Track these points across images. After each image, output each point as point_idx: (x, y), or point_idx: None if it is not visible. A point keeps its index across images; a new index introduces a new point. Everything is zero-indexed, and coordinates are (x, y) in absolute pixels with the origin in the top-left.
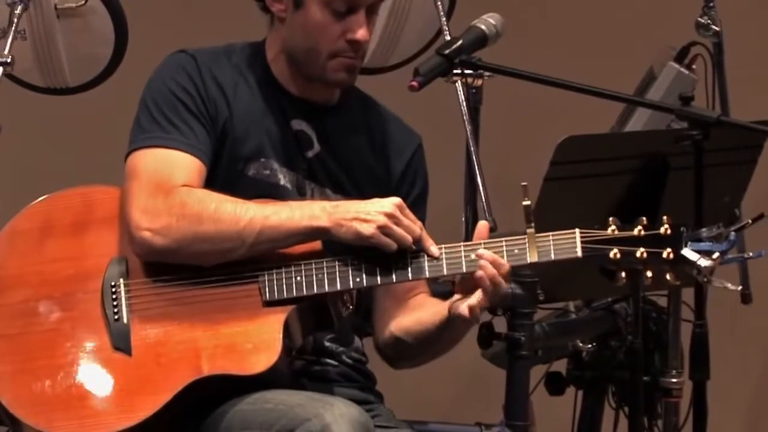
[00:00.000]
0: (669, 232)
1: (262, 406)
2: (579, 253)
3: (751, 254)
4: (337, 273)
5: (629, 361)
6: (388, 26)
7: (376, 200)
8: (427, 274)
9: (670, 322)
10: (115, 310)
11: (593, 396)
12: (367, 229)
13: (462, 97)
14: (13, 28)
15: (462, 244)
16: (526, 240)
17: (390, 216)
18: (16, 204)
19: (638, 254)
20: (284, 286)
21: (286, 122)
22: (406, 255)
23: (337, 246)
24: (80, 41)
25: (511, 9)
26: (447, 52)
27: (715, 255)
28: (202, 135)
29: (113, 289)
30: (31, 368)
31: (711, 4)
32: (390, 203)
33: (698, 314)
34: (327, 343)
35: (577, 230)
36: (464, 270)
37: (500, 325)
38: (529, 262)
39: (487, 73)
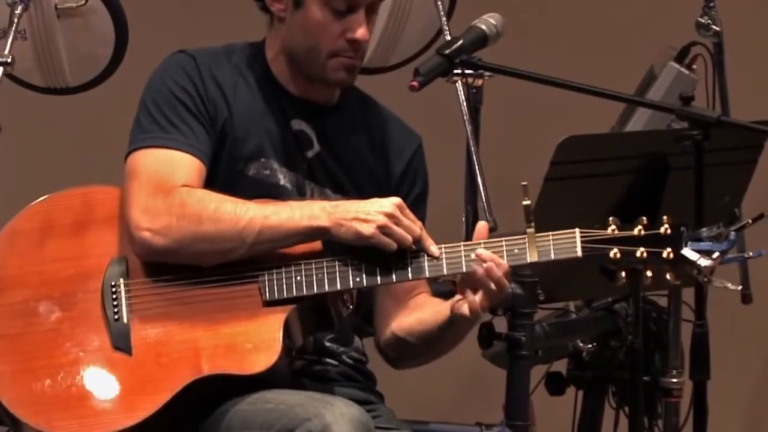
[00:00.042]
0: (669, 231)
1: (263, 405)
2: (579, 253)
3: (751, 254)
4: (337, 273)
5: (629, 361)
6: (389, 26)
7: (376, 200)
8: (428, 274)
9: (671, 322)
10: (115, 310)
11: (593, 396)
12: (367, 229)
13: (462, 97)
14: (13, 28)
15: (462, 243)
16: (526, 240)
17: (390, 216)
18: (16, 204)
19: (638, 254)
20: (284, 285)
21: (286, 122)
22: (406, 255)
23: (337, 246)
24: (80, 41)
25: (512, 9)
26: (447, 52)
27: (715, 255)
28: (201, 135)
29: (113, 289)
30: (31, 368)
31: (711, 4)
32: (390, 203)
33: (698, 314)
34: (327, 343)
35: (577, 230)
36: (464, 270)
37: (500, 325)
38: (529, 261)
39: (487, 73)
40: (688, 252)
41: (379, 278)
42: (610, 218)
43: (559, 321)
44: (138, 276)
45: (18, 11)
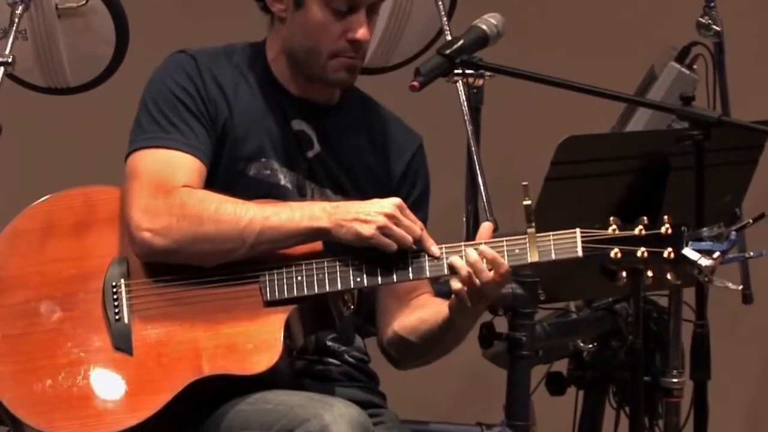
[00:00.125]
0: (670, 231)
1: (263, 406)
2: (580, 253)
3: (752, 254)
4: (338, 273)
5: (630, 361)
6: (389, 26)
7: (376, 201)
8: (428, 274)
9: (671, 322)
10: (116, 310)
11: (594, 396)
12: (367, 230)
13: (463, 97)
14: (14, 28)
15: (463, 243)
16: (527, 240)
17: (390, 216)
18: (17, 204)
19: (639, 254)
20: (285, 286)
21: (287, 122)
22: (407, 255)
23: (338, 246)
24: (81, 41)
25: (512, 9)
26: (448, 52)
27: (716, 254)
28: (202, 135)
29: (114, 290)
30: (32, 368)
31: (712, 4)
32: (390, 204)
33: (699, 314)
34: (329, 343)
35: (577, 230)
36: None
37: (501, 325)
38: (529, 261)
39: (488, 73)
40: (688, 252)
41: (379, 278)
42: (611, 218)
43: (560, 321)
44: (139, 276)
45: (19, 11)
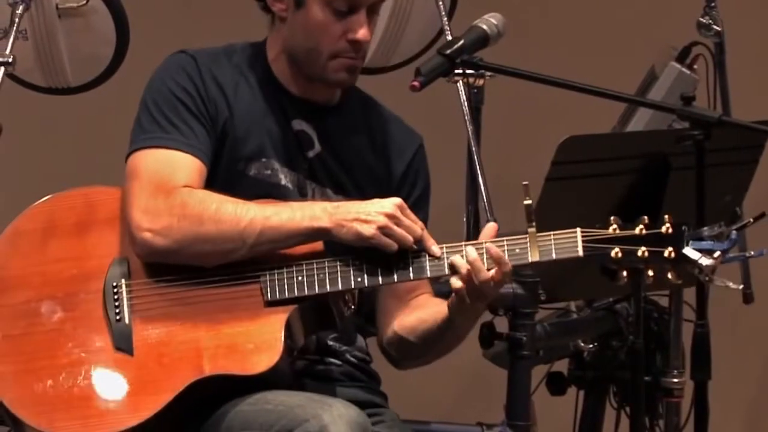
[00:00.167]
0: (670, 231)
1: (263, 406)
2: (580, 253)
3: (752, 253)
4: (339, 273)
5: (630, 361)
6: (390, 26)
7: (376, 201)
8: (429, 274)
9: (672, 322)
10: (117, 310)
11: (594, 396)
12: (368, 230)
13: (463, 97)
14: (14, 28)
15: (464, 243)
16: (528, 239)
17: (390, 216)
18: (17, 203)
19: (639, 253)
20: (285, 286)
21: (287, 122)
22: (408, 255)
23: (339, 246)
24: (82, 41)
25: (513, 9)
26: (448, 52)
27: (717, 254)
28: (202, 135)
29: (115, 290)
30: (33, 368)
31: (712, 4)
32: (390, 203)
33: (700, 314)
34: (330, 343)
35: (578, 229)
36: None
37: (502, 325)
38: (530, 261)
39: (488, 73)
40: (689, 251)
41: (380, 278)
42: (612, 218)
43: (560, 321)
44: (139, 276)
45: (19, 11)
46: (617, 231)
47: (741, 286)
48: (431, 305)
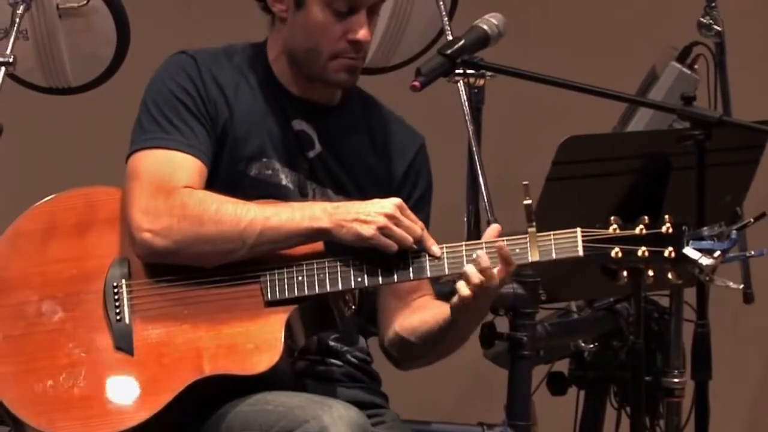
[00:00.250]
0: (671, 230)
1: (263, 407)
2: (580, 252)
3: (752, 252)
4: (339, 273)
5: (631, 361)
6: (390, 26)
7: (376, 201)
8: (429, 274)
9: (672, 321)
10: (117, 310)
11: (595, 396)
12: (367, 231)
13: (464, 97)
14: (15, 28)
15: (464, 243)
16: (528, 239)
17: (390, 217)
18: (17, 203)
19: (640, 253)
20: (286, 286)
21: (287, 122)
22: (408, 255)
23: (339, 246)
24: (82, 41)
25: (513, 9)
26: (449, 52)
27: (717, 253)
28: (202, 135)
29: (115, 290)
30: (33, 369)
31: (713, 4)
32: (390, 204)
33: (700, 314)
34: (332, 343)
35: (578, 229)
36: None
37: (502, 325)
38: (530, 261)
39: (489, 73)
40: (689, 251)
41: (380, 278)
42: (612, 217)
43: (561, 321)
44: (140, 277)
45: (20, 11)
46: (617, 231)
47: (741, 286)
48: (433, 307)
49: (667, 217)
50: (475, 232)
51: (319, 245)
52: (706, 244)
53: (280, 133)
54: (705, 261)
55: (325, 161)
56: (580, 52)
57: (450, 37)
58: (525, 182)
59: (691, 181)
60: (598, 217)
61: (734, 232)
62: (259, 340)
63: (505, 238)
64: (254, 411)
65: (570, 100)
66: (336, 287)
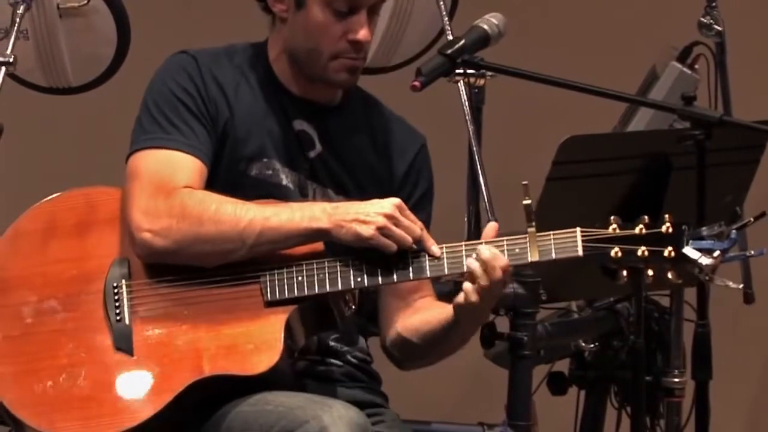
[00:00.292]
0: (670, 230)
1: (263, 407)
2: (580, 252)
3: (752, 252)
4: (338, 273)
5: (631, 361)
6: (391, 26)
7: (375, 201)
8: (428, 274)
9: (673, 321)
10: (117, 311)
11: (596, 396)
12: (367, 231)
13: (464, 97)
14: (15, 27)
15: (463, 243)
16: (527, 239)
17: (389, 217)
18: (18, 204)
19: (639, 253)
20: (285, 286)
21: (288, 122)
22: (407, 255)
23: (339, 246)
24: (83, 41)
25: (514, 9)
26: (449, 51)
27: (716, 253)
28: (202, 135)
29: (115, 290)
30: (33, 369)
31: (713, 4)
32: (389, 204)
33: (701, 314)
34: (332, 343)
35: (578, 229)
36: (465, 270)
37: (503, 325)
38: (530, 261)
39: (489, 73)
40: (689, 250)
41: (380, 278)
42: (612, 217)
43: (562, 321)
44: (140, 277)
45: (20, 11)
46: (617, 230)
47: (741, 286)
48: (435, 307)
49: (666, 216)
50: (475, 232)
51: (318, 245)
52: (705, 243)
53: (281, 133)
54: (704, 261)
55: (326, 161)
56: (581, 52)
57: (450, 37)
58: (524, 182)
59: (692, 181)
60: (599, 216)
61: (734, 231)
62: (258, 340)
63: (504, 238)
64: (254, 411)
65: (570, 100)
66: (336, 287)
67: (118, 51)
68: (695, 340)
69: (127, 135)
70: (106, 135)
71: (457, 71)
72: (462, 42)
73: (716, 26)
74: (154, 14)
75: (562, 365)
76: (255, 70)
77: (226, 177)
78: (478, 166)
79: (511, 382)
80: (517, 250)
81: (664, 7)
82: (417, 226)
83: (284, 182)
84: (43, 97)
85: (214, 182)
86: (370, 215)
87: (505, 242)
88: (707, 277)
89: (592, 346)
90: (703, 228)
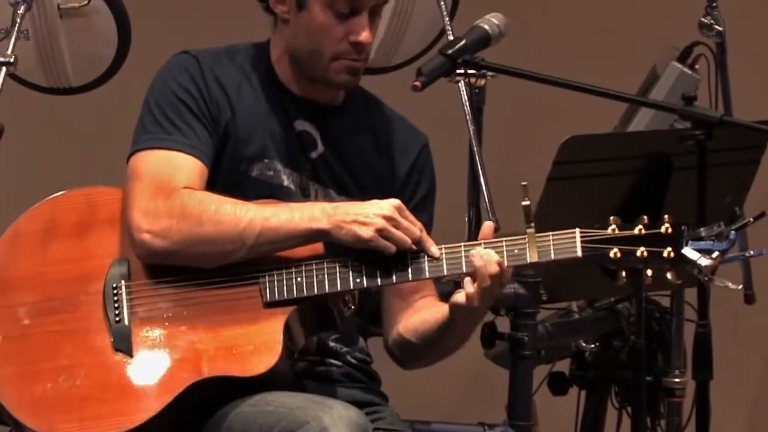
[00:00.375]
0: (670, 231)
1: (263, 408)
2: (579, 253)
3: (752, 252)
4: (338, 274)
5: (632, 361)
6: (391, 26)
7: (375, 202)
8: (428, 275)
9: (673, 322)
10: (116, 311)
11: (596, 396)
12: (366, 233)
13: (465, 97)
14: (16, 28)
15: (462, 244)
16: (526, 240)
17: (388, 219)
18: (18, 204)
19: (638, 253)
20: (285, 287)
21: (290, 123)
22: (407, 256)
23: (338, 247)
24: (83, 41)
25: (514, 9)
26: (450, 52)
27: (715, 254)
28: (204, 136)
29: (114, 291)
30: (33, 370)
31: (714, 4)
32: (389, 205)
33: (701, 314)
34: (332, 344)
35: (577, 230)
36: (464, 270)
37: (503, 325)
38: (529, 261)
39: (490, 73)
40: (688, 251)
41: (379, 279)
42: (611, 218)
43: (562, 321)
44: (139, 277)
45: (21, 11)
46: (616, 231)
47: (740, 287)
48: (434, 307)
49: (666, 217)
50: (476, 233)
51: (318, 246)
52: (704, 244)
53: (282, 133)
54: (703, 261)
55: (328, 161)
56: (581, 52)
57: (451, 37)
58: (524, 183)
59: (692, 181)
60: (599, 217)
61: (733, 232)
62: (258, 341)
63: (503, 239)
64: (255, 412)
65: (571, 100)
66: (335, 288)
67: (118, 51)
68: (696, 341)
69: (127, 135)
70: (107, 135)
71: (458, 71)
72: (463, 42)
73: (717, 26)
74: (154, 14)
75: (563, 365)
76: (257, 71)
77: (228, 178)
78: (479, 166)
79: (511, 382)
80: (516, 251)
81: (665, 7)
82: (416, 228)
83: (285, 183)
84: (43, 97)
85: (216, 183)
86: (370, 217)
87: (504, 243)
88: (706, 278)
89: (592, 346)
90: (702, 228)
